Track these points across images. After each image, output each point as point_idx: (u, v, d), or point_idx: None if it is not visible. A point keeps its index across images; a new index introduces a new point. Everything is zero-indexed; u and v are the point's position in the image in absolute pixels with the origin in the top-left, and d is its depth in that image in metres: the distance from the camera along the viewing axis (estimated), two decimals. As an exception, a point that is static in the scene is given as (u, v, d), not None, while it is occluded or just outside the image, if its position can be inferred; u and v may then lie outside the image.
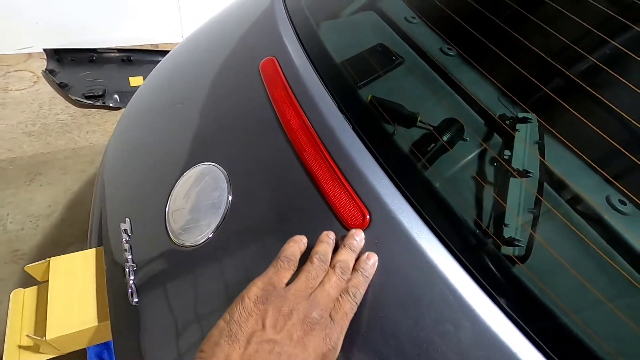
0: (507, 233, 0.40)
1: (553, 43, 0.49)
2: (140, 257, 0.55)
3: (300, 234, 0.42)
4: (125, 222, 0.59)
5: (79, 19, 2.17)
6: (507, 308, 0.35)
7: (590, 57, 0.45)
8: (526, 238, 0.39)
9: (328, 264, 0.37)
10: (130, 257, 0.55)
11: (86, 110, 1.91)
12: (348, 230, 0.41)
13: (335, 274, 0.36)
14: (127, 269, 0.54)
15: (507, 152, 0.49)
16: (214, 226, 0.49)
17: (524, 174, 0.44)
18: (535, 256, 0.38)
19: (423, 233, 0.39)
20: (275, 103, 0.53)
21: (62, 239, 1.45)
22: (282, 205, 0.47)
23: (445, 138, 0.49)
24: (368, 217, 0.41)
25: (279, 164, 0.49)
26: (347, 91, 0.54)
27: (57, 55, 2.04)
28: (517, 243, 0.39)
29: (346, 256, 0.38)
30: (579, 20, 0.49)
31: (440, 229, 0.40)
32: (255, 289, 0.33)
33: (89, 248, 0.69)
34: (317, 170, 0.45)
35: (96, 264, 0.63)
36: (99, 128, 1.84)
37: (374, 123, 0.50)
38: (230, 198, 0.50)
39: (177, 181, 0.55)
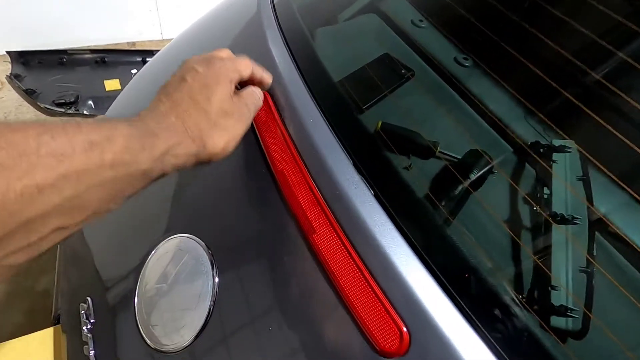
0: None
1: (598, 51, 0.40)
2: (105, 355, 0.43)
3: (312, 342, 0.31)
4: (85, 303, 0.47)
5: (47, 17, 1.99)
6: None
7: None
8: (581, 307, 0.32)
9: None
10: (92, 353, 0.44)
11: (57, 118, 1.75)
12: (378, 351, 0.31)
13: None
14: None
15: (545, 191, 0.40)
16: (196, 328, 0.37)
17: (570, 220, 0.36)
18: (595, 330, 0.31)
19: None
20: (271, 158, 0.41)
21: (35, 268, 1.32)
22: (283, 303, 0.36)
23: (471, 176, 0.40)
24: (406, 333, 0.30)
25: (278, 243, 0.38)
26: (363, 141, 0.43)
27: (22, 58, 1.87)
28: (570, 313, 0.32)
29: None
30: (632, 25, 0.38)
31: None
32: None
33: (53, 318, 0.58)
34: (330, 261, 0.34)
35: (54, 349, 0.52)
36: (73, 139, 1.69)
37: (395, 181, 0.39)
38: (215, 292, 0.38)
39: (149, 256, 0.44)
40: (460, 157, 0.42)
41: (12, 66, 1.82)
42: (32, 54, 1.84)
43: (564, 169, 0.39)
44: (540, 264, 0.34)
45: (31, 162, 0.22)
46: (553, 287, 0.34)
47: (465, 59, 0.50)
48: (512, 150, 0.41)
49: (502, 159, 0.41)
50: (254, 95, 0.39)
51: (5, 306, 1.19)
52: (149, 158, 0.29)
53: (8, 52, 1.81)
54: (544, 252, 0.35)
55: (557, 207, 0.36)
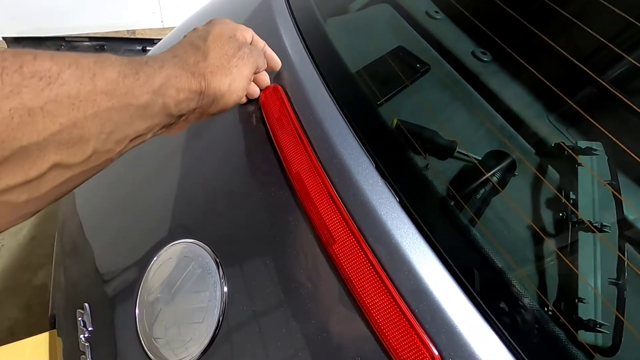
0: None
1: (628, 41, 0.36)
2: (103, 366, 0.40)
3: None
4: (83, 310, 0.44)
5: (44, 2, 1.94)
6: None
7: None
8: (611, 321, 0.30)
9: None
10: (90, 364, 0.41)
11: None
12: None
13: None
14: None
15: (572, 196, 0.37)
16: (204, 342, 0.34)
17: (599, 228, 0.33)
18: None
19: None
20: (285, 157, 0.37)
21: (32, 261, 1.29)
22: (299, 317, 0.33)
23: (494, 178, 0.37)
24: (438, 357, 0.27)
25: (293, 251, 0.34)
26: (378, 139, 0.39)
27: (19, 45, 1.82)
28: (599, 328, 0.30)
29: None
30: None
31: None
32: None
33: (49, 318, 0.55)
34: (351, 275, 0.30)
35: (49, 355, 0.49)
36: (71, 129, 1.65)
37: (422, 190, 0.36)
38: (224, 302, 0.35)
39: (152, 261, 0.40)
40: (480, 158, 0.39)
41: (8, 53, 1.78)
42: (30, 40, 1.80)
43: (591, 172, 0.36)
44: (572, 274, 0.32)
45: (14, 82, 0.21)
46: (581, 300, 0.32)
47: (483, 53, 0.47)
48: (533, 151, 0.39)
49: (523, 160, 0.39)
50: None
51: (3, 300, 1.17)
52: (146, 89, 0.27)
53: (4, 38, 1.78)
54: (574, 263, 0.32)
55: (585, 213, 0.33)
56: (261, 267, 0.35)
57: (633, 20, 0.36)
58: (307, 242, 0.34)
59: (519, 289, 0.31)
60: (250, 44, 0.39)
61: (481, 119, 0.43)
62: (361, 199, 0.33)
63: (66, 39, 1.86)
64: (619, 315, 0.31)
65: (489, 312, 0.29)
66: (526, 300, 0.30)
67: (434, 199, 0.35)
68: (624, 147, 0.34)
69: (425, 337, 0.28)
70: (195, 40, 0.34)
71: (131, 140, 0.28)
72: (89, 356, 0.41)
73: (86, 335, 0.42)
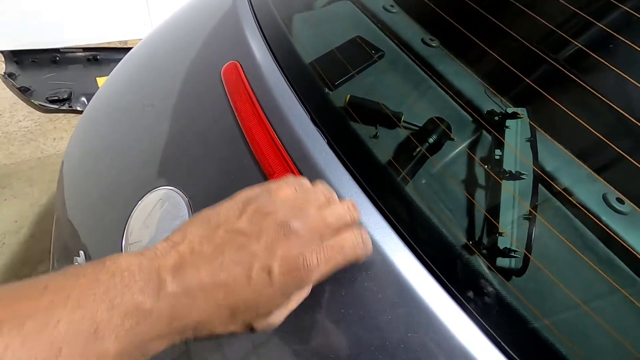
0: (502, 243, 0.36)
1: (541, 28, 0.44)
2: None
3: None
4: (79, 256, 0.52)
5: (38, 16, 2.02)
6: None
7: (583, 46, 0.40)
8: (522, 248, 0.36)
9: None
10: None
11: (52, 115, 1.80)
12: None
13: (343, 208, 0.31)
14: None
15: (498, 152, 0.45)
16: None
17: (517, 176, 0.41)
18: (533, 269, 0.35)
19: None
20: (240, 118, 0.46)
21: (31, 257, 1.36)
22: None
23: (430, 140, 0.44)
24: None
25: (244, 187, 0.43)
26: (320, 99, 0.48)
27: (15, 57, 1.90)
28: (513, 254, 0.36)
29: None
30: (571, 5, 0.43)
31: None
32: (249, 190, 0.30)
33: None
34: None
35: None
36: (67, 134, 1.74)
37: (348, 134, 0.44)
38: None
39: (133, 209, 0.49)
40: (421, 125, 0.46)
41: (5, 65, 1.85)
42: (25, 53, 1.86)
43: (515, 133, 0.44)
44: (492, 212, 0.39)
45: None
46: (500, 234, 0.38)
47: (432, 39, 0.54)
48: (470, 119, 0.45)
49: (461, 125, 0.45)
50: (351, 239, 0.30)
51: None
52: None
53: (1, 51, 1.83)
54: (495, 204, 0.39)
55: (508, 165, 0.40)
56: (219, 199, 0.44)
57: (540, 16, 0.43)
58: (256, 178, 0.43)
59: (448, 227, 0.37)
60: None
61: (428, 95, 0.50)
62: (296, 142, 0.42)
63: (61, 50, 1.94)
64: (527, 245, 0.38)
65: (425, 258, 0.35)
66: (453, 236, 0.36)
67: (370, 155, 0.42)
68: (541, 111, 0.42)
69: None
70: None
71: None
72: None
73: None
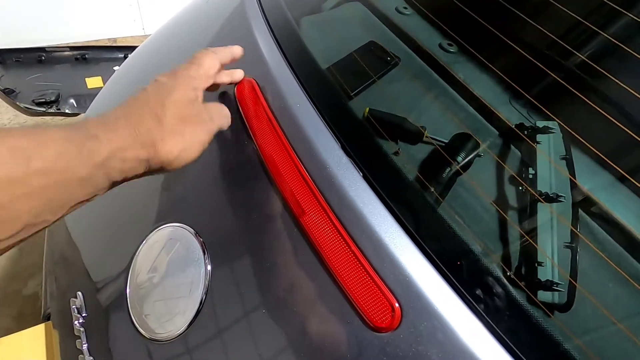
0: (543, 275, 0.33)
1: (579, 34, 0.40)
2: (98, 347, 0.43)
3: (305, 323, 0.32)
4: (76, 298, 0.46)
5: (23, 13, 1.93)
6: None
7: (629, 48, 0.35)
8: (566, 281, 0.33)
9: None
10: (85, 346, 0.43)
11: (38, 118, 1.70)
12: (371, 327, 0.31)
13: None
14: (83, 363, 0.42)
15: (531, 171, 0.40)
16: (189, 316, 0.37)
17: (554, 198, 0.37)
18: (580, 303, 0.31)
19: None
20: (259, 144, 0.41)
21: (21, 271, 1.29)
22: (275, 287, 0.36)
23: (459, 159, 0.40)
24: (398, 309, 0.31)
25: (269, 227, 0.38)
26: (350, 125, 0.43)
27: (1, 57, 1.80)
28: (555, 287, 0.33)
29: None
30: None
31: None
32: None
33: (43, 317, 0.57)
34: (320, 242, 0.34)
35: (46, 345, 0.51)
36: (56, 139, 1.65)
37: (380, 157, 0.39)
38: (207, 279, 0.38)
39: (139, 247, 0.43)
40: (447, 141, 0.42)
41: (-12, 65, 1.76)
42: (9, 52, 1.77)
43: (548, 149, 0.40)
44: (529, 240, 0.35)
45: None
46: (539, 263, 0.35)
47: (450, 44, 0.50)
48: (497, 133, 0.42)
49: (488, 141, 0.41)
50: (221, 110, 0.38)
51: (-5, 312, 1.17)
52: (87, 163, 0.27)
53: None
54: (532, 230, 0.36)
55: (543, 186, 0.37)
56: (241, 243, 0.38)
57: (581, 19, 0.40)
58: (280, 218, 0.38)
59: (483, 257, 0.34)
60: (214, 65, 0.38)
61: (448, 106, 0.46)
62: (328, 176, 0.37)
63: (47, 49, 1.84)
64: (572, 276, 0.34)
65: (461, 288, 0.32)
66: (489, 267, 0.33)
67: (394, 174, 0.39)
68: (578, 126, 0.38)
69: (388, 292, 0.31)
70: (154, 103, 0.32)
71: (71, 207, 0.27)
72: (84, 339, 0.44)
73: (80, 321, 0.45)
